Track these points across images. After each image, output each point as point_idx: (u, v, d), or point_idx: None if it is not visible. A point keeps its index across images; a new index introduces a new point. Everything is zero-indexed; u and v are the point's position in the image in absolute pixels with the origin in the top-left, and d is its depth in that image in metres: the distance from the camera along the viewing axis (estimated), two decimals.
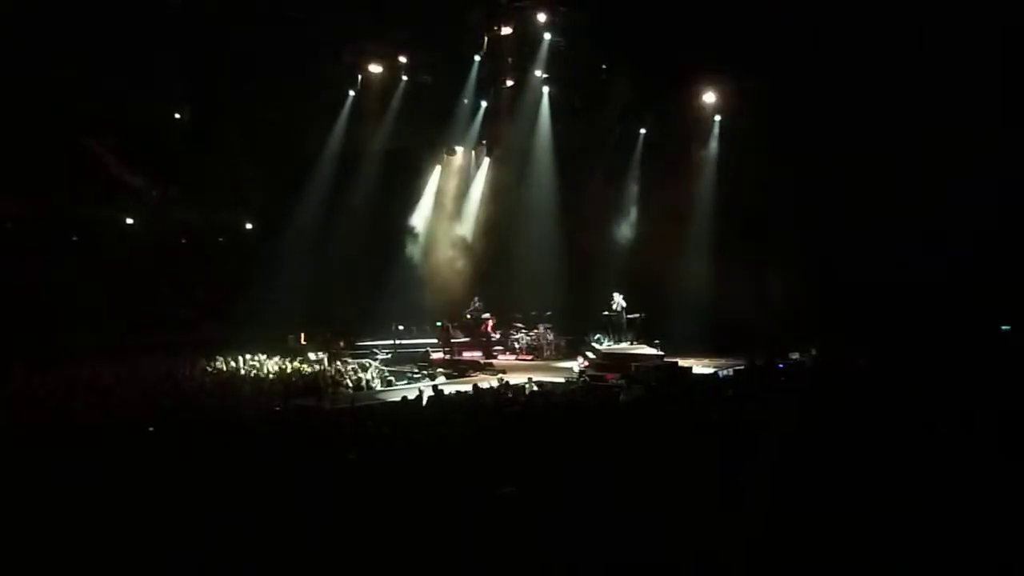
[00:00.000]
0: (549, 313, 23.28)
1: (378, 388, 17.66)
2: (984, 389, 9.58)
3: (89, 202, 21.98)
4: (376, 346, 21.64)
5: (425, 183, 25.50)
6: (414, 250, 24.95)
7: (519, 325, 23.43)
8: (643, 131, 24.13)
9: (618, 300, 20.60)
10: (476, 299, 23.50)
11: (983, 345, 15.39)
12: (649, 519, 5.00)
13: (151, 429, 10.13)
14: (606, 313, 20.93)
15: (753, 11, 18.74)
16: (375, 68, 22.55)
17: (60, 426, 10.86)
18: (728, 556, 4.48)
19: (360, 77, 22.99)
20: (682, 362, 17.90)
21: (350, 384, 17.41)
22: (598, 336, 21.32)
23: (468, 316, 23.35)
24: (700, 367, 17.93)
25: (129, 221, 23.07)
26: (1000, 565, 4.35)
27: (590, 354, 20.73)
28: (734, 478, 5.75)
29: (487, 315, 23.03)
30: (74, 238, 22.45)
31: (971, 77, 17.23)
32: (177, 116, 22.56)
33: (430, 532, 4.94)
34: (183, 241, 24.02)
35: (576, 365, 19.98)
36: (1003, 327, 17.20)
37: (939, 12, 16.91)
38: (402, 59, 22.68)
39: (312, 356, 19.80)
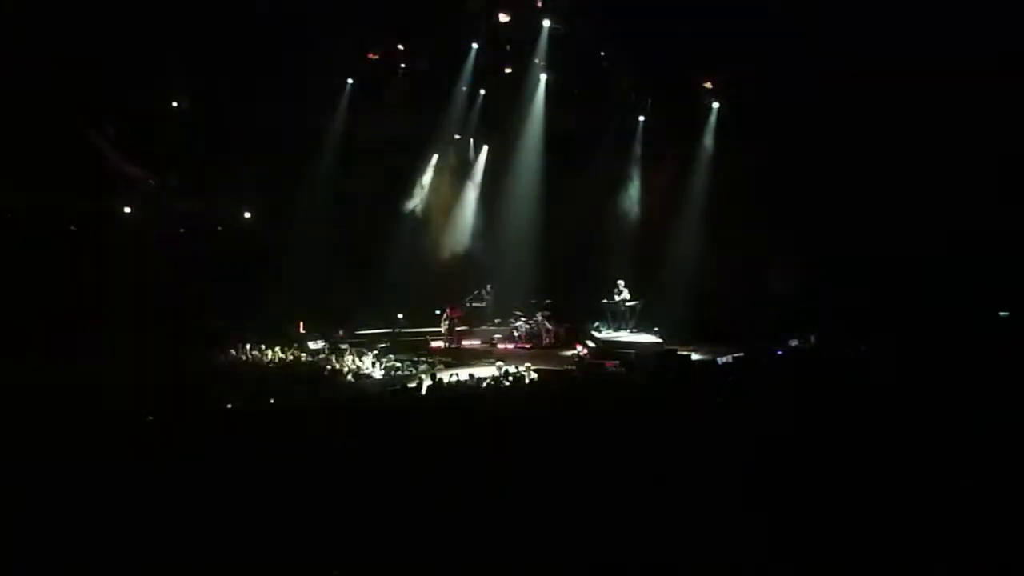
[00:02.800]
0: (548, 301, 23.26)
1: (378, 376, 17.67)
2: (983, 376, 9.59)
3: (87, 193, 21.89)
4: (376, 334, 21.63)
5: (424, 170, 25.43)
6: (413, 238, 24.89)
7: (518, 313, 23.42)
8: (642, 118, 24.10)
9: (623, 289, 20.64)
10: (489, 286, 23.51)
11: (982, 331, 15.39)
12: (655, 512, 5.00)
13: (150, 418, 10.15)
14: (606, 301, 20.95)
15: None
16: (373, 56, 22.46)
17: (58, 417, 10.86)
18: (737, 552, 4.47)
19: (358, 65, 22.90)
20: (681, 350, 17.91)
21: (349, 372, 17.44)
22: (598, 324, 21.35)
23: (468, 304, 23.39)
24: (699, 354, 17.94)
25: (127, 211, 23.00)
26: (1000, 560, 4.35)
27: (590, 342, 20.76)
28: (736, 470, 5.76)
29: (472, 303, 22.93)
30: (72, 228, 22.38)
31: (973, 65, 17.18)
32: (175, 104, 22.45)
33: (432, 523, 4.95)
34: (181, 230, 23.93)
35: (575, 353, 20.00)
36: (1001, 312, 17.19)
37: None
38: (400, 47, 22.58)
39: (311, 345, 19.80)
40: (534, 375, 15.27)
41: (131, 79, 20.63)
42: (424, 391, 12.69)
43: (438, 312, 22.89)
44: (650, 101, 23.59)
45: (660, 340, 19.77)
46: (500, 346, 22.33)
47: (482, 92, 24.26)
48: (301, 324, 21.66)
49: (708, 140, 23.07)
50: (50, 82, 19.15)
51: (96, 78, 19.84)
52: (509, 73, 23.74)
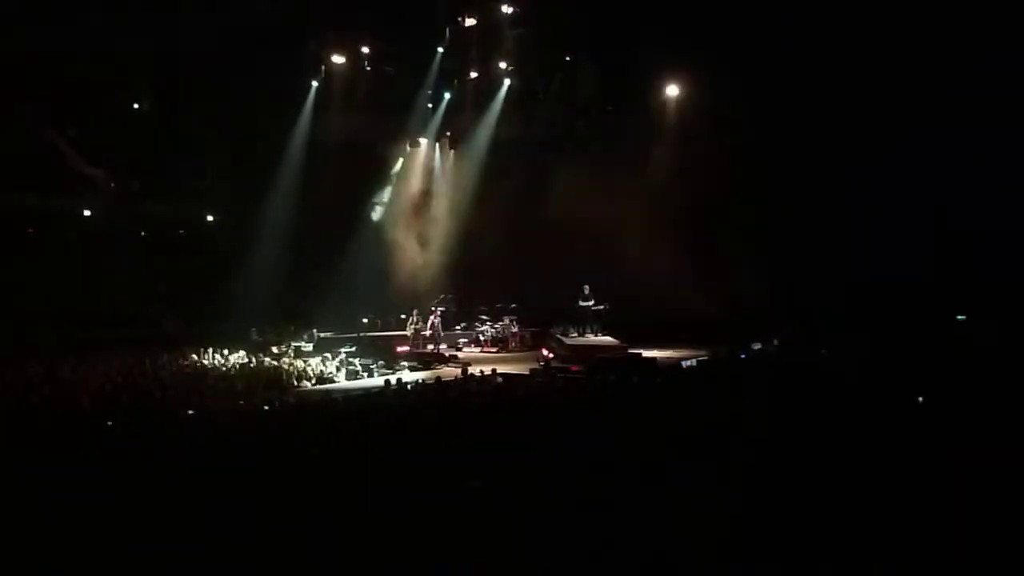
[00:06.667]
0: (514, 305, 23.26)
1: (342, 381, 17.54)
2: (940, 378, 9.78)
3: (47, 194, 21.55)
4: (341, 339, 21.48)
5: (388, 174, 25.35)
6: (378, 242, 24.78)
7: (484, 317, 23.39)
8: (606, 122, 24.23)
9: (588, 294, 20.71)
10: (449, 293, 23.50)
11: (939, 334, 15.68)
12: (621, 510, 5.03)
13: (110, 424, 10.01)
14: (572, 305, 20.99)
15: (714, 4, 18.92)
16: (338, 59, 22.37)
17: (17, 422, 10.67)
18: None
19: (323, 68, 22.80)
20: (645, 353, 18.00)
21: (313, 378, 17.28)
22: (563, 328, 21.38)
23: (433, 308, 23.29)
24: (664, 358, 18.04)
25: (87, 214, 22.65)
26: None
27: (555, 345, 20.78)
28: (707, 466, 5.81)
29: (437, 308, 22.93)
30: (31, 231, 22.02)
31: (937, 76, 17.49)
32: (136, 107, 22.18)
33: (397, 527, 4.92)
34: (143, 234, 23.61)
35: (541, 357, 20.01)
36: (958, 316, 17.52)
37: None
38: (365, 50, 22.51)
39: (275, 350, 19.60)
40: (499, 379, 15.22)
41: (94, 80, 20.37)
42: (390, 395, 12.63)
43: (403, 316, 22.77)
44: (614, 105, 23.74)
45: (625, 344, 19.84)
46: (466, 350, 22.29)
47: (447, 96, 24.27)
48: (265, 329, 21.45)
49: (673, 144, 23.24)
50: (8, 81, 18.85)
51: (57, 78, 19.55)
52: (474, 77, 23.78)
